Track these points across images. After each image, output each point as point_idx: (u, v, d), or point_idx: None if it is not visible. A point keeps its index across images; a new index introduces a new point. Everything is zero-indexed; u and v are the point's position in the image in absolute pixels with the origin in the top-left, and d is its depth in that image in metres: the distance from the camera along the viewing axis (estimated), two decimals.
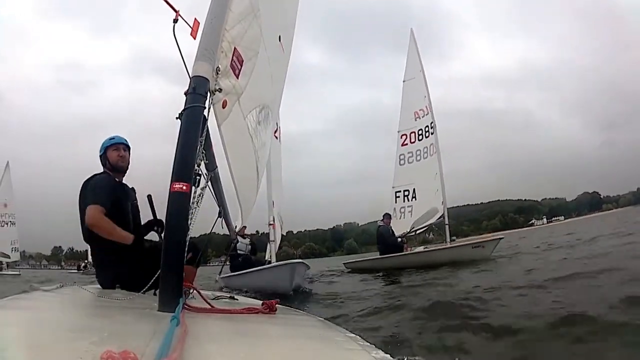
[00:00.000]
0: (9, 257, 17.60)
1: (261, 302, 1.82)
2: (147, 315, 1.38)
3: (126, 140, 2.62)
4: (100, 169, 2.55)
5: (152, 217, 2.59)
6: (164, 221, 1.59)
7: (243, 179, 2.41)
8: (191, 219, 1.65)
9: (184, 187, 1.55)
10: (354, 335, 1.42)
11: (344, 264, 10.74)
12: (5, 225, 18.01)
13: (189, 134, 1.67)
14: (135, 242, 2.32)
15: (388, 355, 1.07)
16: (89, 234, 2.29)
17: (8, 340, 0.86)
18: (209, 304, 1.65)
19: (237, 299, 2.45)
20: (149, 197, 2.55)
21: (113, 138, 2.59)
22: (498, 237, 9.12)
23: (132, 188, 2.66)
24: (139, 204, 2.65)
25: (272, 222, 7.76)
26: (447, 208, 10.27)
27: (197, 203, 1.80)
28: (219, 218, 2.82)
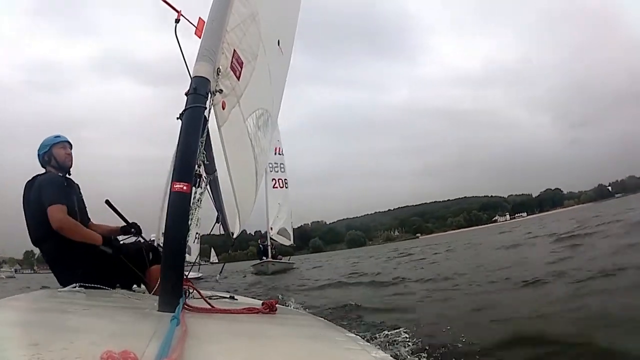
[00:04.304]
0: None
1: (261, 302, 1.82)
2: (147, 315, 1.38)
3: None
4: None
5: (118, 221, 2.53)
6: (165, 223, 1.56)
7: (242, 183, 2.35)
8: (191, 219, 1.65)
9: (185, 188, 1.54)
10: (354, 335, 1.42)
11: (251, 266, 16.20)
12: None
13: (190, 135, 1.66)
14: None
15: (388, 355, 1.08)
16: (45, 233, 2.22)
17: (8, 340, 0.86)
18: (209, 304, 1.65)
19: (236, 299, 2.45)
20: (108, 202, 2.46)
21: (58, 136, 2.54)
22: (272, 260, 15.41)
23: (76, 184, 2.60)
24: (94, 202, 2.61)
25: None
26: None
27: (197, 204, 1.79)
28: (217, 223, 2.80)
